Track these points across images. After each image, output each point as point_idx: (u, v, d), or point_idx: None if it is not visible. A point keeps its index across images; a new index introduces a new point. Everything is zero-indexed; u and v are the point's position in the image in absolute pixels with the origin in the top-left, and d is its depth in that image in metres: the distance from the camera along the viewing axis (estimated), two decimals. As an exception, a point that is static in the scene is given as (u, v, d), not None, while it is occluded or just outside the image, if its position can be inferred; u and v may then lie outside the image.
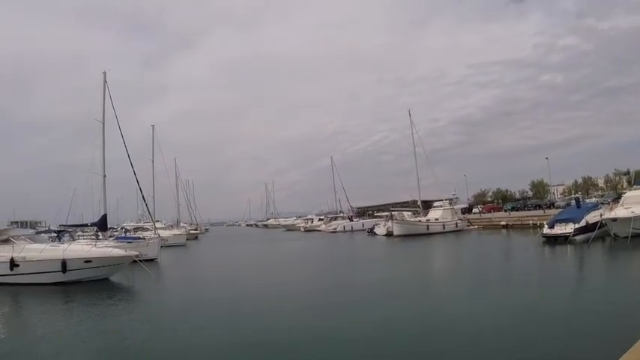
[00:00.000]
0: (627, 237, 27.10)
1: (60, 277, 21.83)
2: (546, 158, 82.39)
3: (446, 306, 14.20)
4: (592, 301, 13.59)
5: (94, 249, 24.12)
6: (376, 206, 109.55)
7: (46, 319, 15.22)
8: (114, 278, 23.47)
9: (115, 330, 13.15)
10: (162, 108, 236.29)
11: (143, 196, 42.86)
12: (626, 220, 28.03)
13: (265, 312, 14.28)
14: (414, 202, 68.37)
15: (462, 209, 69.33)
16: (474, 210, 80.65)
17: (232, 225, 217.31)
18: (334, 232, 77.40)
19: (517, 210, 70.05)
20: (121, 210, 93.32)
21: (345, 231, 76.69)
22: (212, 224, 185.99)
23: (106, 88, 34.37)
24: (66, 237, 36.19)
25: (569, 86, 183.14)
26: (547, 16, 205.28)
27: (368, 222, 77.34)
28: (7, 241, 23.55)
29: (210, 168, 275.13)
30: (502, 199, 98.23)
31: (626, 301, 12.94)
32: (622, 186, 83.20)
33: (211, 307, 15.77)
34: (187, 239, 64.26)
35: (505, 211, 71.99)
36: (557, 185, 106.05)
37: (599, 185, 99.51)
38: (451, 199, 64.69)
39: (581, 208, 34.70)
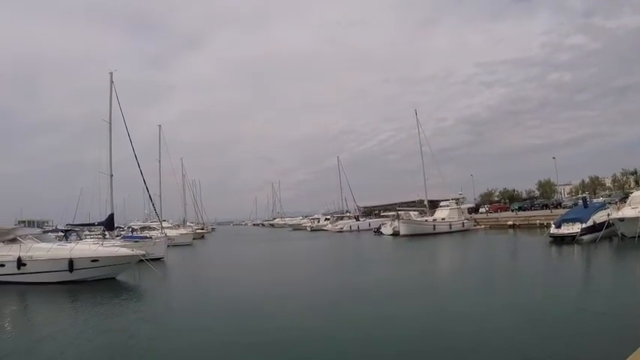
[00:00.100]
0: (635, 237, 26.94)
1: (67, 277, 21.94)
2: (553, 158, 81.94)
3: (452, 306, 14.17)
4: (599, 301, 13.56)
5: (100, 248, 24.21)
6: (383, 206, 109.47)
7: (52, 318, 15.32)
8: (121, 277, 23.59)
9: (121, 329, 13.24)
10: (169, 108, 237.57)
11: (150, 196, 43.10)
12: (634, 220, 27.88)
13: (272, 311, 14.33)
14: (421, 201, 68.20)
15: (468, 209, 69.04)
16: (481, 210, 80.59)
17: (239, 224, 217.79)
18: (340, 231, 77.43)
19: (524, 210, 69.86)
20: (128, 209, 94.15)
21: (351, 230, 76.69)
22: (219, 224, 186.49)
23: (113, 88, 34.49)
24: (73, 236, 36.32)
25: (577, 85, 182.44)
26: (554, 15, 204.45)
27: (374, 221, 77.41)
28: (14, 240, 23.69)
29: (217, 167, 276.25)
30: (509, 199, 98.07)
31: (634, 301, 12.90)
32: (629, 185, 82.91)
33: (218, 306, 15.82)
34: (194, 238, 64.44)
35: (512, 210, 71.85)
36: (565, 185, 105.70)
37: (607, 185, 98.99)
38: (458, 199, 64.37)
39: (588, 208, 34.55)
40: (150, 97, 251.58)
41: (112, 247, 25.29)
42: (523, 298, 14.17)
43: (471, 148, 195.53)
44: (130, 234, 46.43)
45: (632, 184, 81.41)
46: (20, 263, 22.04)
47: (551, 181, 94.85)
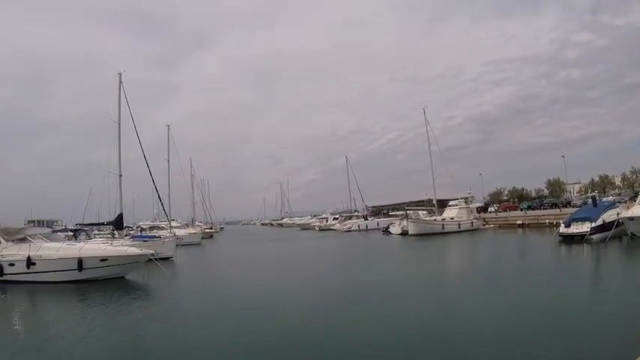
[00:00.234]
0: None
1: (76, 276, 22.06)
2: (562, 156, 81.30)
3: (461, 306, 14.12)
4: (609, 301, 13.46)
5: (110, 247, 24.34)
6: (391, 205, 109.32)
7: (61, 317, 15.42)
8: (130, 276, 23.69)
9: (129, 328, 13.33)
10: (176, 108, 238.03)
11: (159, 196, 43.16)
12: (644, 219, 27.77)
13: (280, 311, 14.34)
14: (429, 201, 68.03)
15: (477, 208, 68.76)
16: (490, 209, 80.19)
17: (247, 224, 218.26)
18: (349, 231, 77.35)
19: (533, 209, 69.47)
20: (137, 209, 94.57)
21: (359, 230, 76.59)
22: (227, 223, 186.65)
23: (122, 88, 34.64)
24: (82, 236, 36.63)
25: (586, 83, 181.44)
26: (562, 11, 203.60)
27: (383, 221, 77.41)
28: (23, 239, 23.89)
29: (224, 167, 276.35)
30: (518, 198, 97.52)
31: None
32: (639, 184, 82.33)
33: (226, 306, 15.84)
34: (202, 238, 64.57)
35: (521, 209, 71.49)
36: (574, 184, 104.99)
37: (616, 183, 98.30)
38: (466, 198, 64.14)
39: (597, 207, 34.38)
40: (157, 98, 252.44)
41: (121, 247, 25.40)
42: (532, 298, 14.09)
43: (480, 146, 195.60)
44: (139, 233, 46.56)
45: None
46: (30, 262, 22.17)
47: (561, 179, 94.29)
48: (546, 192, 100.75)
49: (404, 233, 54.40)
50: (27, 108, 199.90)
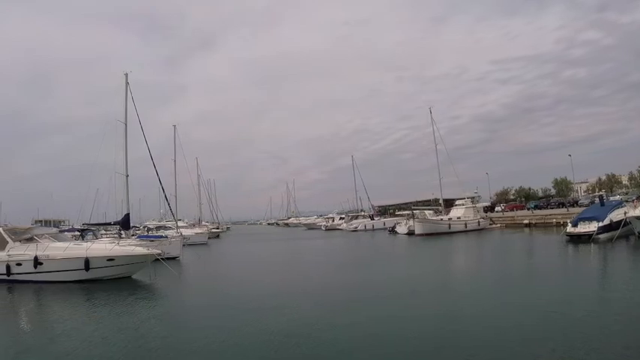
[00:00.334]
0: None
1: (83, 275, 22.14)
2: (569, 155, 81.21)
3: (467, 306, 14.07)
4: (615, 301, 13.38)
5: (116, 247, 24.35)
6: (397, 205, 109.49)
7: (67, 316, 15.47)
8: (136, 276, 23.76)
9: (135, 327, 13.34)
10: (183, 108, 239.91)
11: (165, 196, 43.39)
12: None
13: (285, 310, 14.30)
14: (436, 200, 67.98)
15: (484, 208, 68.69)
16: (497, 208, 79.98)
17: (254, 224, 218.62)
18: (355, 230, 77.34)
19: (540, 208, 69.26)
20: (144, 209, 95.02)
21: (366, 230, 76.57)
22: (234, 223, 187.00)
23: (128, 89, 34.70)
24: (89, 235, 36.75)
25: (592, 81, 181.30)
26: (567, 10, 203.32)
27: (389, 221, 77.27)
28: (31, 239, 23.99)
29: (230, 167, 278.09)
30: (525, 198, 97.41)
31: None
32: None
33: (232, 305, 15.82)
34: (209, 238, 64.62)
35: (528, 209, 71.23)
36: (581, 183, 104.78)
37: (623, 182, 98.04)
38: (473, 198, 64.08)
39: (604, 206, 34.25)
40: (163, 98, 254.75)
41: (128, 247, 25.41)
42: (539, 298, 14.03)
43: (486, 146, 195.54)
44: (145, 233, 46.65)
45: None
46: (37, 262, 22.23)
47: (567, 179, 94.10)
48: (553, 191, 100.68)
49: (410, 233, 54.36)
50: (33, 108, 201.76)
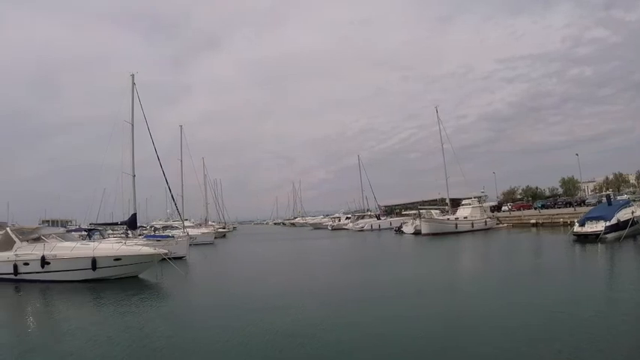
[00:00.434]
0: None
1: (90, 275, 22.22)
2: (576, 154, 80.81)
3: (472, 305, 14.04)
4: (622, 302, 13.31)
5: (123, 247, 24.45)
6: (404, 204, 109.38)
7: (74, 316, 15.55)
8: (143, 276, 23.81)
9: (141, 326, 13.40)
10: (189, 109, 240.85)
11: (172, 195, 43.33)
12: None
13: (291, 310, 14.29)
14: (442, 200, 67.88)
15: (491, 207, 68.41)
16: (504, 208, 79.74)
17: (260, 223, 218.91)
18: (361, 230, 77.27)
19: (547, 208, 69.10)
20: (150, 209, 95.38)
21: (372, 229, 76.44)
22: (240, 223, 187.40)
23: (135, 89, 34.84)
24: (96, 235, 36.89)
25: (598, 80, 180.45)
26: (574, 8, 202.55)
27: (395, 220, 77.13)
28: (38, 239, 24.11)
29: (237, 167, 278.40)
30: (532, 197, 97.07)
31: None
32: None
33: (238, 305, 15.81)
34: (215, 237, 64.77)
35: (535, 208, 70.94)
36: (588, 182, 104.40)
37: (631, 182, 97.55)
38: (480, 197, 63.84)
39: (612, 206, 34.02)
40: (168, 99, 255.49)
41: (135, 246, 25.55)
42: (545, 299, 13.94)
43: (493, 145, 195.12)
44: (152, 233, 46.76)
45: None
46: (44, 262, 22.33)
47: (575, 178, 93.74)
48: (560, 191, 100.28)
49: (417, 233, 54.23)
50: (39, 109, 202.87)
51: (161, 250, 24.76)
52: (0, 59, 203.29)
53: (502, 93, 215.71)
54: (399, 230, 62.33)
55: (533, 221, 56.06)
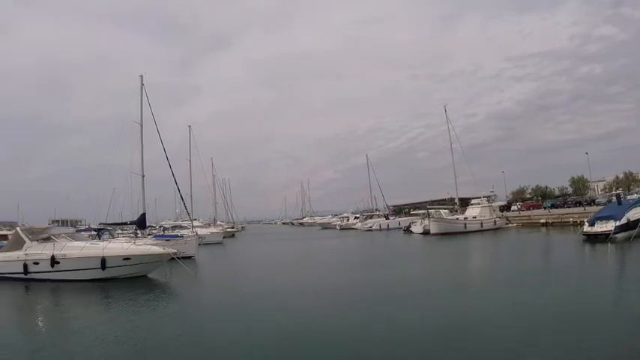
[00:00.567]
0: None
1: (99, 274, 22.34)
2: (586, 153, 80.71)
3: (480, 306, 13.98)
4: (632, 302, 13.20)
5: (132, 246, 24.60)
6: (412, 204, 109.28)
7: (83, 315, 15.70)
8: (152, 275, 23.93)
9: (150, 325, 13.48)
10: (198, 109, 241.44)
11: (181, 195, 43.49)
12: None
13: (300, 310, 14.34)
14: (451, 199, 67.77)
15: (500, 207, 68.15)
16: (513, 207, 79.31)
17: (268, 223, 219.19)
18: (370, 230, 77.15)
19: (557, 207, 68.65)
20: (160, 209, 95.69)
21: (380, 229, 76.27)
22: (249, 222, 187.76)
23: (144, 90, 34.97)
24: (105, 235, 37.06)
25: (608, 78, 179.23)
26: (582, 5, 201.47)
27: (404, 220, 76.87)
28: (48, 239, 24.31)
29: (246, 167, 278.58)
30: (541, 196, 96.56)
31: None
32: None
33: (246, 304, 15.85)
34: (224, 237, 65.09)
35: (544, 208, 70.59)
36: (598, 181, 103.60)
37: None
38: (489, 197, 63.51)
39: (622, 205, 33.73)
40: (177, 99, 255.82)
41: (144, 246, 25.66)
42: (554, 299, 13.88)
43: (502, 144, 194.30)
44: (161, 233, 46.89)
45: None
46: (54, 261, 22.51)
47: (584, 177, 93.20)
48: (570, 190, 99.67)
49: (425, 232, 54.08)
50: (49, 110, 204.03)
51: (170, 249, 24.84)
52: (13, 62, 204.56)
53: (511, 91, 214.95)
54: (407, 230, 62.23)
55: (542, 221, 55.70)
